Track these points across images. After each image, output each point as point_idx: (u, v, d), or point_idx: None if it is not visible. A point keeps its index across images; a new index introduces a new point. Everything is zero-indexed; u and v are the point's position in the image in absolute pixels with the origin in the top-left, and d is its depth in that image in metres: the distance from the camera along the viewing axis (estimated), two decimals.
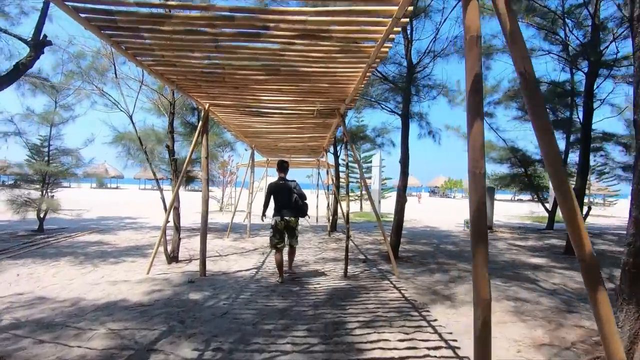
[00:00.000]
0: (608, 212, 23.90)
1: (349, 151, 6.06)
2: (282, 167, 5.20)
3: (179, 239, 6.13)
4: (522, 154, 12.99)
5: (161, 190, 5.82)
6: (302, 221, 5.71)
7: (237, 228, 11.08)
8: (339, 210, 11.17)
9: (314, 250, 7.78)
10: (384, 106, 8.37)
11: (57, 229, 9.56)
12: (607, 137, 12.41)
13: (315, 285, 4.99)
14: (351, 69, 3.77)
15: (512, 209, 26.96)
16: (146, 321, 3.46)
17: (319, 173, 14.27)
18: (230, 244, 8.23)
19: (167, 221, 5.79)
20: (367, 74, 3.81)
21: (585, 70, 7.71)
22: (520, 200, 51.66)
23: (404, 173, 6.77)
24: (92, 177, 40.00)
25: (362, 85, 4.31)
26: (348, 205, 5.81)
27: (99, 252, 6.82)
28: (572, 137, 12.58)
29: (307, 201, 5.18)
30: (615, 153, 13.03)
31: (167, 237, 5.88)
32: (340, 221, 12.70)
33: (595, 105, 7.76)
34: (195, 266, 5.65)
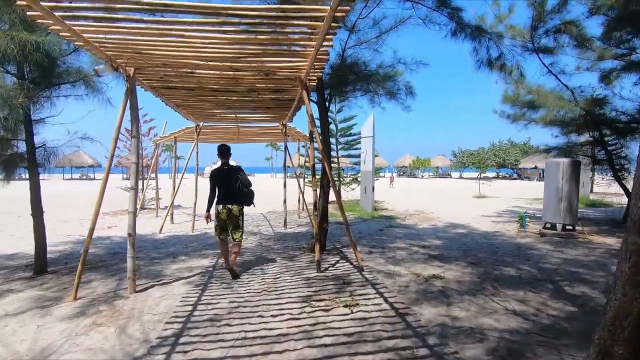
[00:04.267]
0: None
1: None
2: (223, 151, 4.59)
3: None
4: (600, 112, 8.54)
5: None
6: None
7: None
8: (323, 204, 5.99)
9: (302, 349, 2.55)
10: None
11: None
12: None
13: None
14: None
15: (503, 190, 23.41)
16: None
17: (285, 148, 8.92)
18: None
19: None
20: None
21: None
22: (487, 179, 49.75)
23: None
24: None
25: None
26: None
27: None
28: None
29: (252, 188, 4.66)
30: None
31: None
32: (334, 228, 7.58)
33: None
34: None
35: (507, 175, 51.98)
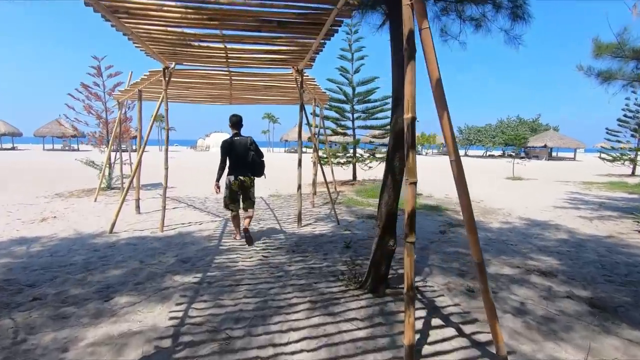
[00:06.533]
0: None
1: None
2: (235, 122, 4.64)
3: None
4: None
5: None
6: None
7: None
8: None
9: None
10: None
11: None
12: None
13: None
14: None
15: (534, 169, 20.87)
16: None
17: (302, 108, 6.01)
18: None
19: None
20: None
21: None
22: (492, 157, 47.12)
23: None
24: None
25: None
26: None
27: None
28: None
29: (264, 159, 4.70)
30: None
31: None
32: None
33: None
34: None
35: (514, 154, 49.70)
